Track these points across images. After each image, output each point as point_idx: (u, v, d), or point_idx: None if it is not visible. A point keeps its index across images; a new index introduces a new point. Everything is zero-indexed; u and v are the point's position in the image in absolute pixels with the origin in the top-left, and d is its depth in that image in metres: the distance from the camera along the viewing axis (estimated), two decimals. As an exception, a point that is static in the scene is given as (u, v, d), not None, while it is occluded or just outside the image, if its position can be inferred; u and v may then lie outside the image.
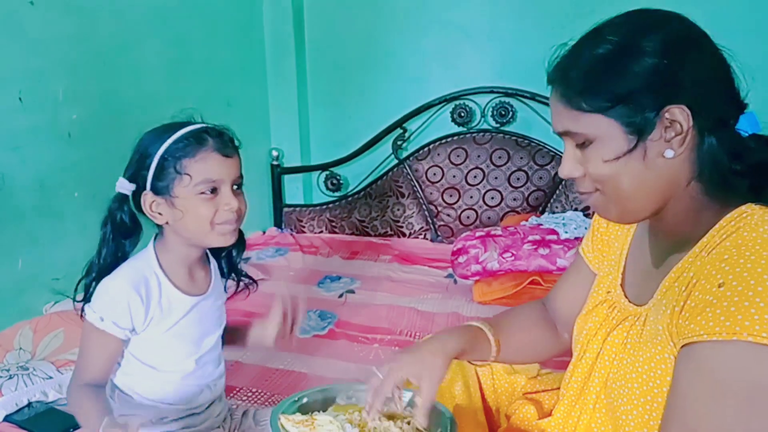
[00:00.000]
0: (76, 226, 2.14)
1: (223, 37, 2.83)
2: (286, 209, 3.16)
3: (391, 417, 1.01)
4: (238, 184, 1.15)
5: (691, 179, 0.82)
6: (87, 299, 1.14)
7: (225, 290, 1.30)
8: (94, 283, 1.13)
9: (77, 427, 1.42)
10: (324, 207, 3.10)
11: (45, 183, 2.03)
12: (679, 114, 0.78)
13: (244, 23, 3.00)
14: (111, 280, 1.12)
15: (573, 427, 1.01)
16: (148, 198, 1.11)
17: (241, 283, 1.31)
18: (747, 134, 0.82)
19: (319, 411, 1.07)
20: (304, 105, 3.16)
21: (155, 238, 1.19)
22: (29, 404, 1.49)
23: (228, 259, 1.29)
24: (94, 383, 1.12)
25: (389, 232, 2.99)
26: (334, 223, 3.07)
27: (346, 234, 3.05)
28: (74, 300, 1.17)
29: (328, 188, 3.15)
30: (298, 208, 3.13)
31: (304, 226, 3.11)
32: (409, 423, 1.00)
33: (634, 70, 0.78)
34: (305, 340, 1.93)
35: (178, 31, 2.55)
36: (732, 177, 0.80)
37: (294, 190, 3.19)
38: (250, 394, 1.62)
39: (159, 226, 1.16)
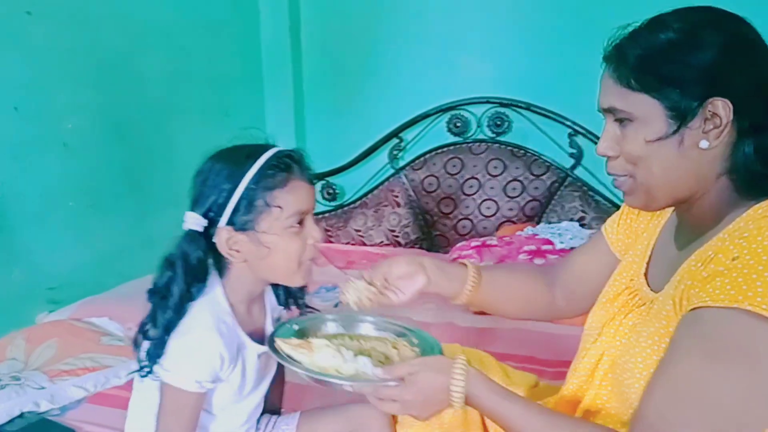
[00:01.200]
0: (73, 235, 2.14)
1: (222, 49, 2.85)
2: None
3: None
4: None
5: (721, 175, 0.85)
6: (156, 355, 1.00)
7: (278, 319, 1.19)
8: (164, 337, 0.99)
9: (69, 438, 1.41)
10: (320, 216, 3.10)
11: (42, 192, 2.04)
12: (721, 107, 0.80)
13: (242, 35, 3.01)
14: (195, 334, 0.99)
15: (578, 402, 1.02)
16: (224, 234, 0.98)
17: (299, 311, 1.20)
18: None
19: (312, 337, 1.09)
20: (301, 115, 3.17)
21: (219, 275, 1.06)
22: (21, 415, 1.47)
23: (286, 288, 1.17)
24: None
25: (385, 242, 2.99)
26: (330, 233, 3.07)
27: (342, 243, 3.04)
28: (141, 363, 1.01)
29: (324, 197, 3.15)
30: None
31: (300, 236, 3.10)
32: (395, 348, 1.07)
33: (690, 60, 0.81)
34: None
35: (177, 43, 2.57)
36: (763, 179, 0.83)
37: (290, 200, 3.18)
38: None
39: (221, 262, 1.05)
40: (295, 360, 0.99)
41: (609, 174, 0.92)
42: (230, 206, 0.97)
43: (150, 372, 1.01)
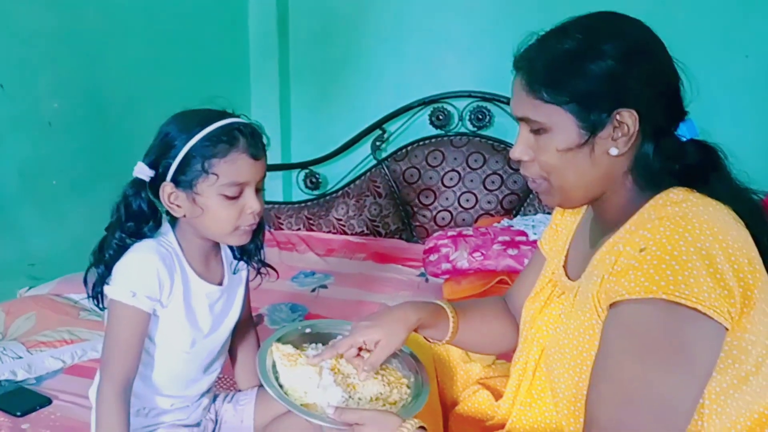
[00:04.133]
0: (54, 213, 2.17)
1: (209, 36, 2.87)
2: (264, 206, 3.18)
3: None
4: (261, 186, 1.13)
5: (627, 171, 0.90)
6: (101, 283, 1.09)
7: (235, 271, 1.24)
8: (104, 268, 1.09)
9: (44, 405, 1.46)
10: (302, 205, 3.13)
11: (24, 171, 2.07)
12: (628, 117, 0.85)
13: (230, 23, 3.04)
14: (135, 253, 1.08)
15: (516, 396, 1.07)
16: (167, 189, 1.07)
17: (255, 270, 1.27)
18: (685, 139, 0.89)
19: (316, 344, 1.14)
20: (286, 104, 3.21)
21: (171, 222, 1.16)
22: (-1, 382, 1.52)
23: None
24: (127, 382, 1.07)
25: (365, 232, 3.04)
26: (311, 221, 3.11)
27: (323, 232, 3.08)
28: (87, 285, 1.11)
29: (307, 186, 3.19)
30: (276, 206, 3.16)
31: (282, 223, 3.14)
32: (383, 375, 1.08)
33: (593, 70, 0.85)
34: (274, 331, 1.96)
35: (164, 28, 2.59)
36: (663, 174, 0.88)
37: (273, 188, 3.21)
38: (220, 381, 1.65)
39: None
40: (275, 370, 1.05)
41: (523, 175, 0.97)
42: (174, 165, 1.05)
43: (100, 296, 1.10)
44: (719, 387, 0.82)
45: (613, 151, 0.87)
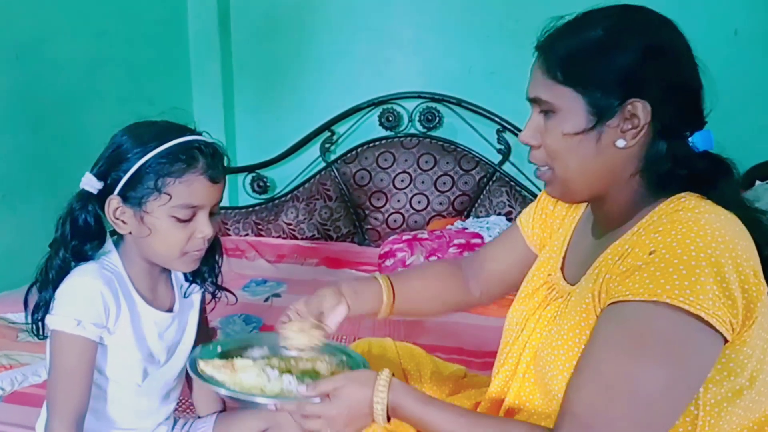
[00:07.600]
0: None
1: (146, 34, 2.73)
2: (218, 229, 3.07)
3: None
4: (216, 210, 1.06)
5: (635, 173, 0.88)
6: (43, 308, 1.01)
7: (186, 295, 1.16)
8: (50, 292, 1.01)
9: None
10: (250, 209, 3.04)
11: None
12: (641, 109, 0.83)
13: (168, 20, 2.91)
14: (76, 277, 1.00)
15: (505, 396, 1.04)
16: (113, 203, 1.00)
17: (209, 292, 1.18)
18: (699, 150, 0.87)
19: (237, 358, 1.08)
20: (230, 105, 3.10)
21: (114, 241, 1.08)
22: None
23: None
24: (79, 417, 0.99)
25: (316, 236, 2.97)
26: (260, 226, 3.02)
27: (273, 237, 3.00)
28: (27, 313, 1.03)
29: (254, 190, 3.10)
30: (222, 211, 3.06)
31: (229, 229, 3.04)
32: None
33: (614, 60, 0.84)
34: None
35: (96, 26, 2.44)
36: (672, 179, 0.87)
37: (219, 192, 3.11)
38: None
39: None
40: (218, 380, 0.98)
41: (531, 162, 0.95)
42: (124, 179, 0.98)
43: (41, 322, 1.02)
44: (714, 399, 0.82)
45: (620, 143, 0.85)
